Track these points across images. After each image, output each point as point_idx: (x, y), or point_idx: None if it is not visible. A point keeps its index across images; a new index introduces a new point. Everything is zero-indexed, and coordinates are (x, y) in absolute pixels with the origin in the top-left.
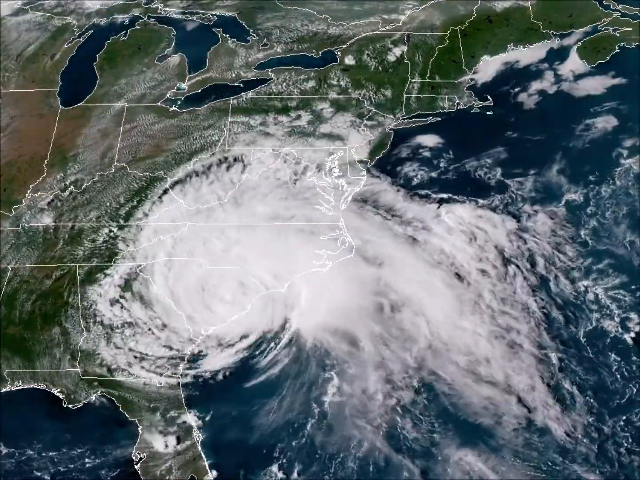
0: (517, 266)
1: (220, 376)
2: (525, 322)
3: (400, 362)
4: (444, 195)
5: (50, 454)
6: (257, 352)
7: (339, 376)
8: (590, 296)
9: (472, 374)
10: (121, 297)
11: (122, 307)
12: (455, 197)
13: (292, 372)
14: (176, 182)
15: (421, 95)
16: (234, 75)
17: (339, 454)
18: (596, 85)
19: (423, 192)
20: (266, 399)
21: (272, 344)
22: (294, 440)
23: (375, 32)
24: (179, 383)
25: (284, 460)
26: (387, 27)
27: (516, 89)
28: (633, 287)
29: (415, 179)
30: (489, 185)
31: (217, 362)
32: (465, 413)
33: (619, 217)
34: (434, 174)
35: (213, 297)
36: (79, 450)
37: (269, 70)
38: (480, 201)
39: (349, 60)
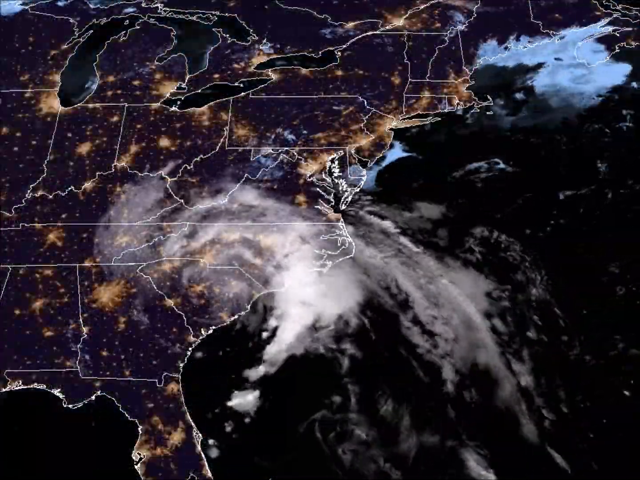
0: None
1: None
2: None
3: None
4: None
5: (50, 454)
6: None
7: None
8: None
9: None
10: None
11: None
12: None
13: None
14: (176, 182)
15: (421, 95)
16: (233, 75)
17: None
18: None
19: None
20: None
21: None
22: None
23: (375, 32)
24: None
25: None
26: (387, 27)
27: (516, 89)
28: None
29: None
30: None
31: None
32: None
33: None
34: None
35: (213, 297)
36: (79, 450)
37: (269, 70)
38: None
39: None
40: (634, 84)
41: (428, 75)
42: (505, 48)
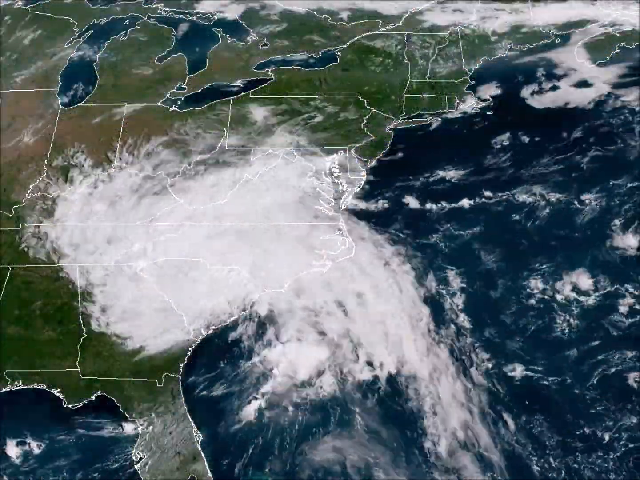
0: None
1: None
2: None
3: None
4: None
5: (50, 454)
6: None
7: None
8: None
9: None
10: None
11: None
12: None
13: None
14: (176, 182)
15: (421, 96)
16: (233, 75)
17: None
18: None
19: None
20: None
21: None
22: None
23: (375, 32)
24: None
25: None
26: (387, 27)
27: (515, 89)
28: None
29: None
30: None
31: None
32: None
33: None
34: None
35: (212, 297)
36: (79, 450)
37: (269, 70)
38: None
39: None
40: None
41: (428, 75)
42: (505, 48)
